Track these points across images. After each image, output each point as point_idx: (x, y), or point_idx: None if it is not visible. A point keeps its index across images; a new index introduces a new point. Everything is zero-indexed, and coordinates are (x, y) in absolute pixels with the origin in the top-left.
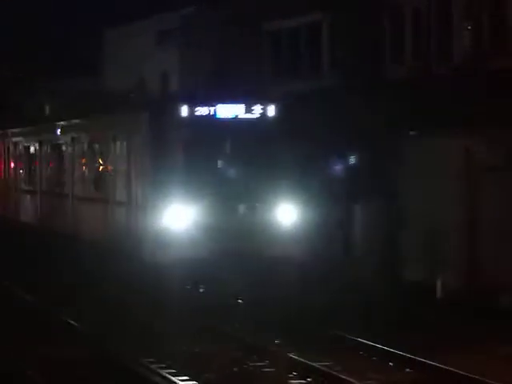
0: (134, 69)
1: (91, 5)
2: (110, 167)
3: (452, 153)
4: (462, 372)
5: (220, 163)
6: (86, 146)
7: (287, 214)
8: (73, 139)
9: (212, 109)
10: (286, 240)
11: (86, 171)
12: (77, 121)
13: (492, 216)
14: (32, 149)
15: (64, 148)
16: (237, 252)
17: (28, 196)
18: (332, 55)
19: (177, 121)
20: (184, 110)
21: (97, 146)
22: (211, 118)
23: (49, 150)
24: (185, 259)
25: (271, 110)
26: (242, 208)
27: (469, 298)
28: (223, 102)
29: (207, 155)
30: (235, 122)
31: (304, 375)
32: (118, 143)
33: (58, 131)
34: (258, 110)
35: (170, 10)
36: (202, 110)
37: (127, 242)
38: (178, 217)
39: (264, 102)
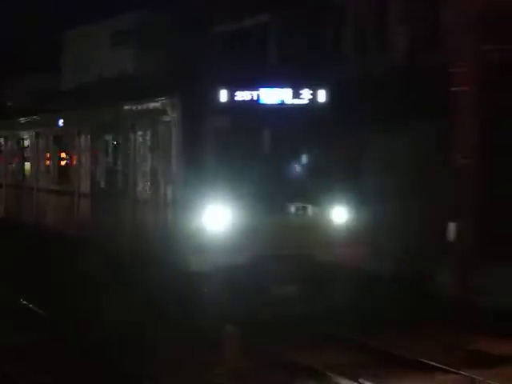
0: (92, 68)
1: (52, 5)
2: (125, 160)
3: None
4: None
5: (264, 156)
6: (87, 138)
7: (340, 214)
8: (78, 132)
9: (255, 93)
10: (339, 244)
11: (93, 166)
12: (77, 112)
13: None
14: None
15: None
16: (283, 258)
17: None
18: (279, 56)
19: (214, 107)
20: (223, 94)
21: (105, 137)
22: (254, 104)
23: (51, 144)
24: (224, 266)
25: (322, 95)
26: (288, 208)
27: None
28: (267, 85)
29: (249, 147)
30: (281, 108)
31: None
32: (138, 134)
33: (61, 122)
34: (306, 94)
35: (127, 12)
36: (243, 95)
37: (151, 245)
38: (216, 218)
39: (314, 85)
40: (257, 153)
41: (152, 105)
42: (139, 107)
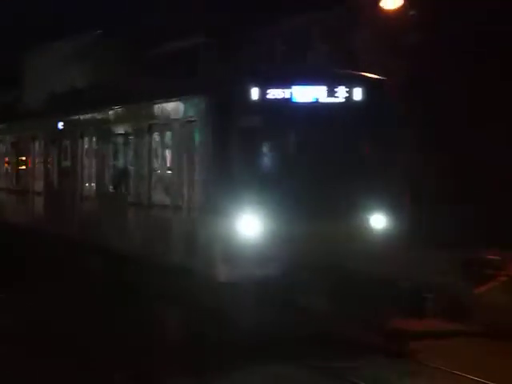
0: (50, 84)
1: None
2: (143, 163)
3: None
4: None
5: (300, 159)
6: (100, 140)
7: (382, 222)
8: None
9: (288, 91)
10: (380, 254)
11: (104, 168)
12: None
13: None
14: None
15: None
16: (319, 269)
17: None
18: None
19: (246, 105)
20: (255, 92)
21: (119, 139)
22: (287, 103)
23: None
24: (258, 276)
25: (358, 93)
26: (326, 215)
27: None
28: (301, 82)
29: (284, 148)
30: (317, 107)
31: None
32: (160, 135)
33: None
34: (342, 92)
35: (82, 32)
36: (275, 93)
37: (176, 254)
38: (248, 225)
39: (352, 82)
40: (293, 155)
41: (175, 104)
42: (160, 106)
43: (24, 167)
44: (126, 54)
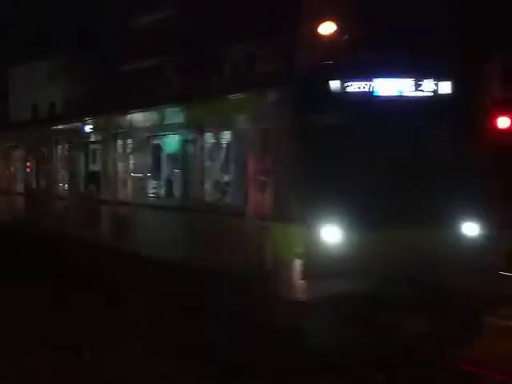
0: (32, 98)
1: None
2: (195, 164)
3: None
4: None
5: (386, 161)
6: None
7: (476, 229)
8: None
9: (370, 84)
10: (481, 269)
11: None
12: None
13: None
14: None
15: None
16: (412, 285)
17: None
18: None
19: (328, 100)
20: (335, 86)
21: (172, 138)
22: (369, 97)
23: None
24: (342, 293)
25: (446, 87)
26: (419, 222)
27: None
28: (384, 75)
29: (369, 149)
30: (402, 101)
31: None
32: (223, 134)
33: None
34: (429, 86)
35: (59, 52)
36: (356, 86)
37: (237, 266)
38: (332, 235)
39: (440, 75)
40: (380, 156)
41: (238, 100)
42: (217, 104)
43: (8, 171)
44: (99, 70)
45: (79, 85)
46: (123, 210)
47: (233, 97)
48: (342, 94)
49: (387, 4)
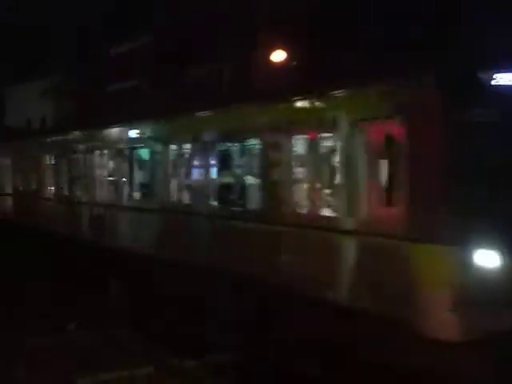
0: (26, 113)
1: None
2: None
3: None
4: None
5: None
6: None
7: None
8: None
9: None
10: None
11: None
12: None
13: None
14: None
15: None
16: None
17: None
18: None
19: (479, 94)
20: (490, 77)
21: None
22: None
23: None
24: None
25: None
26: None
27: None
28: None
29: None
30: None
31: None
32: (323, 134)
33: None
34: None
35: (49, 75)
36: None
37: (355, 293)
38: (493, 259)
39: None
40: None
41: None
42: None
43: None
44: (84, 90)
45: (67, 103)
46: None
47: (339, 93)
48: (500, 87)
49: None
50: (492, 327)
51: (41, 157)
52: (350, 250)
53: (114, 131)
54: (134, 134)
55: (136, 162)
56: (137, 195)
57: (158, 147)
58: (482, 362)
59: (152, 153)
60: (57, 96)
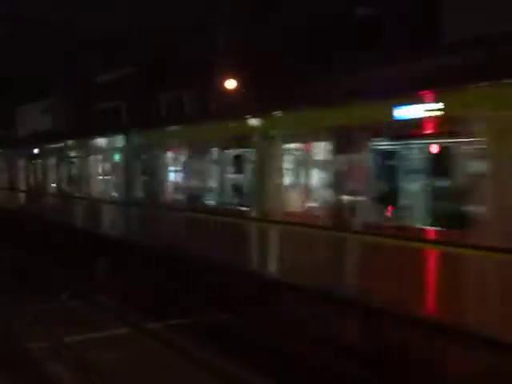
0: (33, 126)
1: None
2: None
3: None
4: None
5: None
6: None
7: None
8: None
9: None
10: None
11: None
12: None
13: None
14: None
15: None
16: None
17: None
18: None
19: None
20: None
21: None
22: None
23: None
24: None
25: None
26: None
27: None
28: None
29: None
30: None
31: None
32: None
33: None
34: None
35: (48, 97)
36: None
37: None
38: None
39: None
40: None
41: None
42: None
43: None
44: (80, 108)
45: (63, 118)
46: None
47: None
48: None
49: None
50: None
51: (44, 160)
52: (252, 230)
53: (98, 141)
54: (113, 143)
55: (114, 164)
56: (117, 191)
57: (132, 153)
58: None
59: (129, 156)
60: (55, 113)
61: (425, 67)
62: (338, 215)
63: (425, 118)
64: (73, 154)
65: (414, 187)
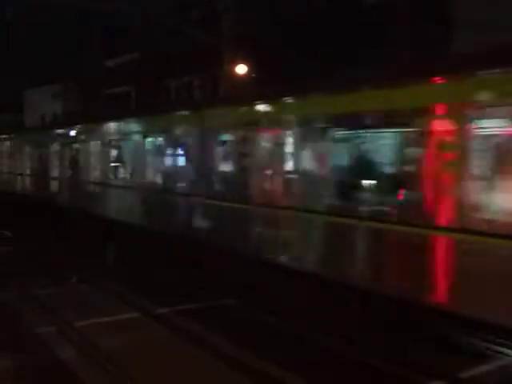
0: (41, 111)
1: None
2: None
3: None
4: None
5: None
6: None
7: None
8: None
9: None
10: None
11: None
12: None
13: None
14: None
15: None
16: None
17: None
18: None
19: None
20: None
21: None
22: None
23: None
24: None
25: None
26: None
27: None
28: None
29: None
30: None
31: None
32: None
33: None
34: None
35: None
36: None
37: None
38: None
39: None
40: None
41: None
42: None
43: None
44: (88, 93)
45: (72, 102)
46: None
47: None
48: None
49: None
50: None
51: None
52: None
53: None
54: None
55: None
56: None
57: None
58: None
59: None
60: (65, 98)
61: None
62: None
63: None
64: (122, 136)
65: None
